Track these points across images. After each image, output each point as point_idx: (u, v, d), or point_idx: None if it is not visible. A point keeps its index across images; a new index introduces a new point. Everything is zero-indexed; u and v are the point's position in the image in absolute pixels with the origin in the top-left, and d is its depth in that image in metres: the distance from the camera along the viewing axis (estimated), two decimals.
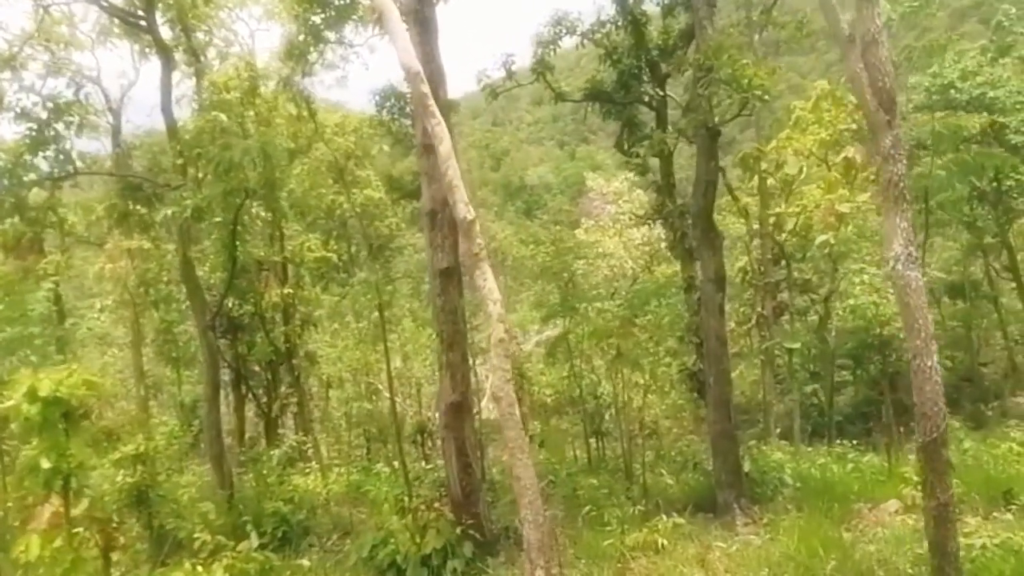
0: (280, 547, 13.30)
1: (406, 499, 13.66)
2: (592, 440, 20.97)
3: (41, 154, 16.91)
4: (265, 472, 17.92)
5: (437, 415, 30.44)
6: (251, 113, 20.72)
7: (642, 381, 26.33)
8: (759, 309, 23.11)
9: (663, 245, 26.49)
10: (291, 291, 19.99)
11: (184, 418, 24.83)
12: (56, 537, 9.01)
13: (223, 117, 14.32)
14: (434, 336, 27.53)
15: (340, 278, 28.50)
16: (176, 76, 19.65)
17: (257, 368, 26.02)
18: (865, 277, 18.49)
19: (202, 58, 21.48)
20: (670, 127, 15.81)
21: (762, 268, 23.03)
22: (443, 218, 11.48)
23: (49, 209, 23.34)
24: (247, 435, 26.29)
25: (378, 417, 28.32)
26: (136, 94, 25.48)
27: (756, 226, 23.11)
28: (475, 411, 12.83)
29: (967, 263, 31.14)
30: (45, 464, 8.26)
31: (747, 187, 24.16)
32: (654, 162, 18.06)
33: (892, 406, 29.54)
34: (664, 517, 11.36)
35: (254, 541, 11.29)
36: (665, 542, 10.78)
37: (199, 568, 9.90)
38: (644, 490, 13.70)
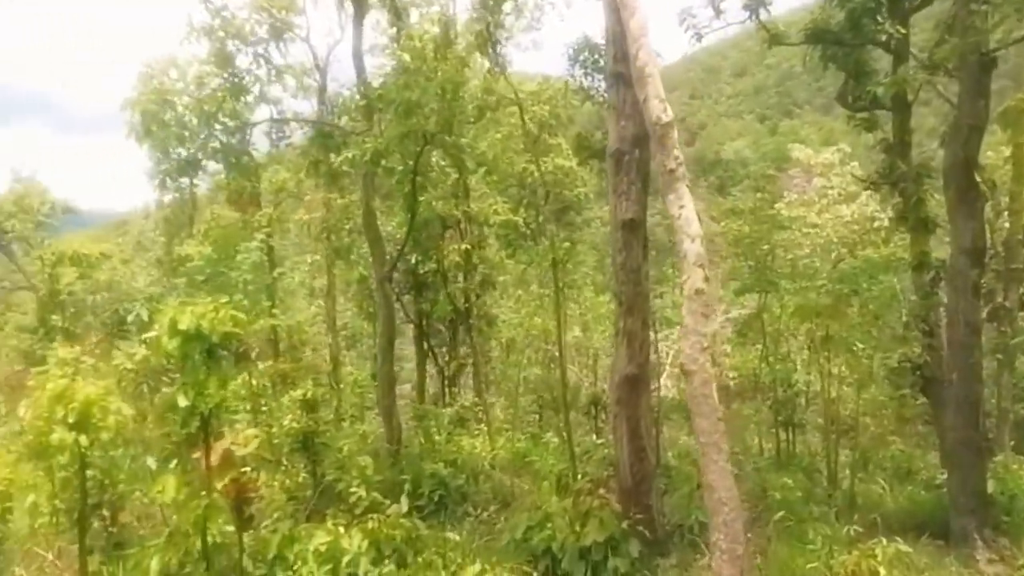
0: (435, 511, 12.16)
1: (569, 477, 12.02)
2: (779, 432, 18.22)
3: (243, 100, 16.78)
4: (433, 430, 17.05)
5: (603, 391, 28.77)
6: (440, 71, 19.82)
7: (840, 371, 22.99)
8: (1000, 299, 18.93)
9: (875, 223, 22.81)
10: (469, 247, 18.80)
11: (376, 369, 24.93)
12: (227, 474, 8.22)
13: (407, 57, 13.13)
14: (613, 303, 25.89)
15: (527, 246, 27.45)
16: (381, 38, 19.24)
17: (440, 328, 25.58)
18: None
19: (403, 17, 20.80)
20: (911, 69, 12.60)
21: (1004, 251, 18.82)
22: (631, 160, 9.49)
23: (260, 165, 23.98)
24: (430, 391, 26.11)
25: (552, 384, 26.99)
26: (340, 52, 25.48)
27: (1005, 199, 18.90)
28: (653, 387, 10.74)
29: None
30: (182, 402, 7.36)
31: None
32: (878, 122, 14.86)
33: None
34: (883, 541, 8.79)
35: (404, 506, 10.07)
36: (885, 574, 8.26)
37: (341, 529, 8.84)
38: (851, 500, 11.03)
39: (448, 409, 19.30)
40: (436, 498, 12.28)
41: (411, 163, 13.73)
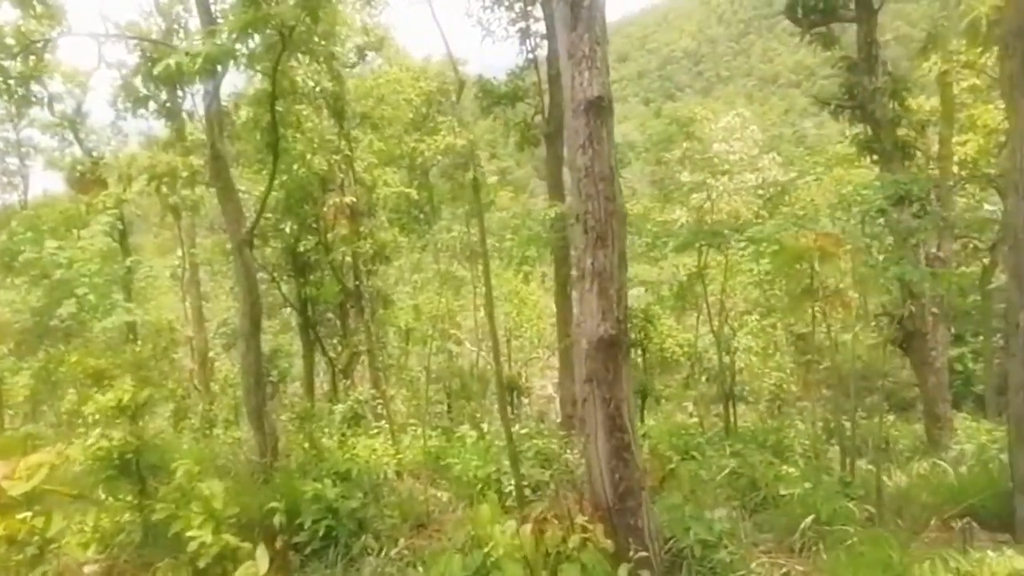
0: (321, 550, 8.15)
1: (512, 487, 8.37)
2: (726, 406, 15.35)
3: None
4: (322, 433, 13.05)
5: (520, 373, 25.27)
6: None
7: (755, 344, 20.66)
8: (935, 251, 16.81)
9: (779, 188, 20.67)
10: (354, 200, 14.77)
11: (264, 367, 20.59)
12: None
13: None
14: (517, 280, 22.47)
15: (421, 229, 23.89)
16: None
17: (331, 315, 21.57)
18: None
19: None
20: None
21: (939, 196, 16.70)
22: (594, 6, 5.87)
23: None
24: (324, 388, 22.09)
25: (459, 372, 23.34)
26: None
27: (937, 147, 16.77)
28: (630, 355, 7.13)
29: None
30: None
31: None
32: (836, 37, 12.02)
33: None
34: (971, 549, 5.69)
35: (262, 564, 6.08)
36: None
37: None
38: (878, 489, 7.90)
39: (340, 406, 15.22)
40: (322, 530, 8.24)
41: (269, 79, 9.58)
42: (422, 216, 24.10)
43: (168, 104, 11.24)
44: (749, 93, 53.55)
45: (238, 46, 8.50)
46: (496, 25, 15.70)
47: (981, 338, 23.07)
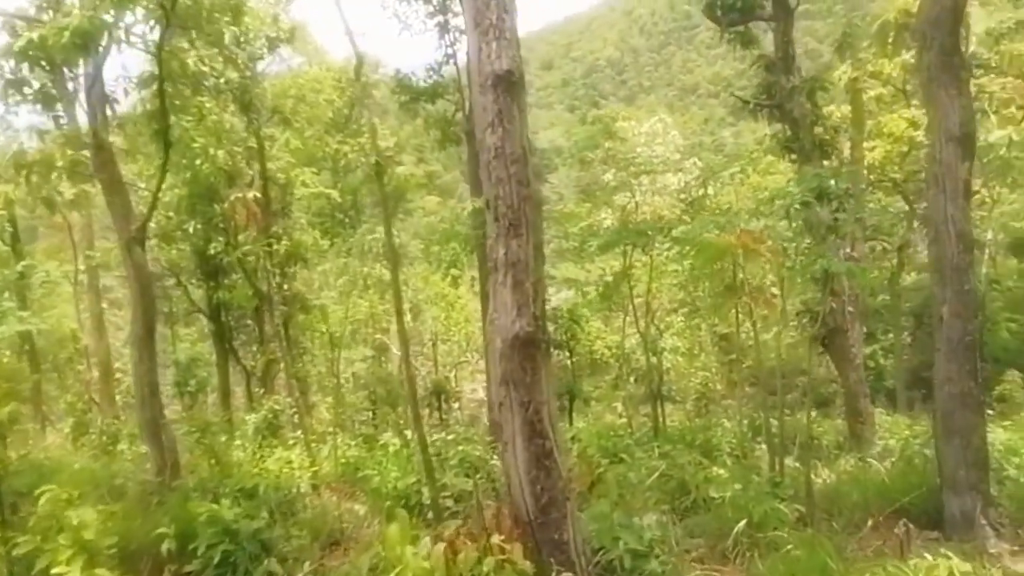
0: None
1: (427, 499, 7.69)
2: (654, 406, 15.03)
3: None
4: (234, 445, 12.06)
5: (448, 377, 24.52)
6: None
7: (681, 344, 20.54)
8: (849, 251, 17.02)
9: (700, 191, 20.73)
10: (258, 195, 13.73)
11: (180, 377, 19.30)
12: None
13: None
14: (445, 283, 21.77)
15: (346, 232, 22.84)
16: None
17: (248, 321, 20.30)
18: None
19: None
20: None
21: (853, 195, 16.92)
22: None
23: None
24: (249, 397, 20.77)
25: (385, 378, 22.37)
26: None
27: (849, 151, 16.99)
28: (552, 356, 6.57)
29: None
30: None
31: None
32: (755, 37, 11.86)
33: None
34: (926, 555, 5.36)
35: None
36: None
37: None
38: (807, 491, 7.56)
39: (252, 416, 14.15)
40: (217, 556, 7.31)
41: (157, 60, 8.59)
42: (346, 220, 23.15)
43: (51, 88, 10.00)
44: (670, 102, 54.90)
45: (118, 21, 7.54)
46: (413, 18, 15.03)
47: (891, 335, 23.73)
